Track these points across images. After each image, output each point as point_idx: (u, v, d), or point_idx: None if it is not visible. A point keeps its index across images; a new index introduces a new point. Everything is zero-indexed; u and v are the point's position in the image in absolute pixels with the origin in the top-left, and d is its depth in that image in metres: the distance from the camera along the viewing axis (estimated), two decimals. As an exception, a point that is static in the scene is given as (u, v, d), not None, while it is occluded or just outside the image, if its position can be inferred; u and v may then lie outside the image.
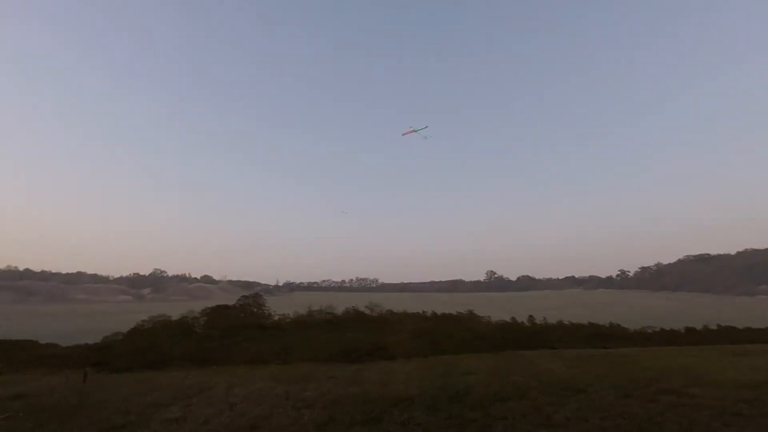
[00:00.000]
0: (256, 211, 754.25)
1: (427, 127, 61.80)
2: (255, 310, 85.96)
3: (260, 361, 77.01)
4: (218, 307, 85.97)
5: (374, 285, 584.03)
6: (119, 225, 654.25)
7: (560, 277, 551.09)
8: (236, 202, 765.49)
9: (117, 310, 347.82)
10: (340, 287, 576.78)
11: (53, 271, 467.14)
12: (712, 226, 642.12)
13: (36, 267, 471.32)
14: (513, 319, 63.54)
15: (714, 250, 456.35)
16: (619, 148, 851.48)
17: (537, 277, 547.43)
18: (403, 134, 59.16)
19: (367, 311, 78.82)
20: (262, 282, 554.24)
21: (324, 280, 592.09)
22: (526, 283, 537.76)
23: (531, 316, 63.99)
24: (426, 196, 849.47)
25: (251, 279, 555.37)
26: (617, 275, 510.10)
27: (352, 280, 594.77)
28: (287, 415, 31.19)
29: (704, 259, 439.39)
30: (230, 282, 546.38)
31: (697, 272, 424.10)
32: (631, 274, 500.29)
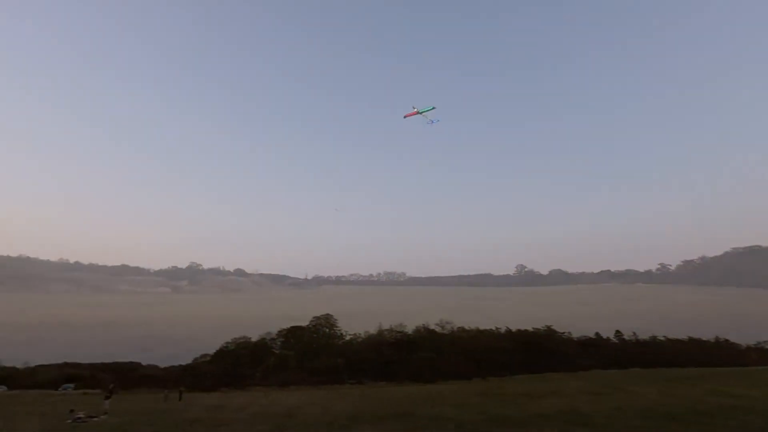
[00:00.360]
0: (286, 206, 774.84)
1: (434, 108, 48.39)
2: (327, 330, 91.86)
3: (336, 382, 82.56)
4: (293, 328, 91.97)
5: (402, 279, 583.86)
6: (158, 220, 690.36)
7: (595, 271, 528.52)
8: (266, 198, 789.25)
9: (158, 301, 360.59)
10: (368, 281, 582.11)
11: (100, 263, 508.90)
12: (763, 215, 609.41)
13: (85, 260, 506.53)
14: (597, 334, 64.54)
15: (765, 242, 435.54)
16: (658, 132, 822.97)
17: (570, 271, 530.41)
18: (405, 116, 48.38)
19: (437, 329, 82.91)
20: (292, 275, 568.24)
21: (352, 274, 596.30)
22: (559, 278, 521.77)
23: (618, 331, 63.53)
24: (453, 190, 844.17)
25: (281, 272, 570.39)
26: (657, 269, 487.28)
27: (380, 273, 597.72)
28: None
29: (755, 251, 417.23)
30: (261, 275, 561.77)
31: (747, 265, 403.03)
32: (672, 268, 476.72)
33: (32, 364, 79.16)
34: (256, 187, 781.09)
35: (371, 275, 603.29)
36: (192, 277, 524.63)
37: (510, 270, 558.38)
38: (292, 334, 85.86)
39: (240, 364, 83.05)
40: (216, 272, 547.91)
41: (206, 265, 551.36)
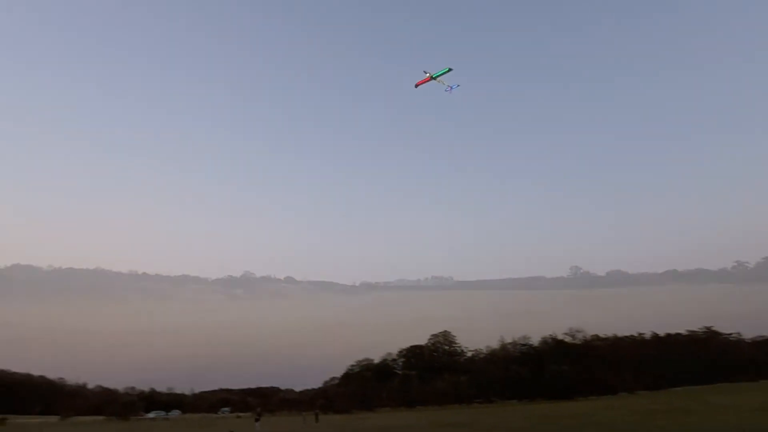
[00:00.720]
0: (329, 213, 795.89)
1: (450, 70, 38.53)
2: (447, 347, 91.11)
3: (462, 401, 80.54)
4: (412, 347, 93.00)
5: (450, 283, 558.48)
6: (213, 231, 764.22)
7: (659, 271, 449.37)
8: (311, 204, 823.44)
9: (217, 308, 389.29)
10: (416, 286, 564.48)
11: (164, 274, 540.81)
12: None
13: (151, 270, 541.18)
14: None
15: None
16: (733, 113, 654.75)
17: (630, 271, 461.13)
18: (416, 85, 39.22)
19: (567, 339, 75.48)
20: (340, 282, 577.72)
21: (399, 279, 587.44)
22: (618, 279, 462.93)
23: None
24: (499, 188, 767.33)
25: (329, 279, 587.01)
26: (733, 267, 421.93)
27: (426, 278, 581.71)
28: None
29: None
30: (310, 282, 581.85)
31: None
32: (751, 266, 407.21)
33: (197, 391, 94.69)
34: (298, 196, 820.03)
35: (418, 280, 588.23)
36: (246, 285, 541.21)
37: (563, 271, 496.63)
38: (412, 353, 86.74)
39: (366, 386, 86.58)
40: (268, 280, 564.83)
41: (258, 273, 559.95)
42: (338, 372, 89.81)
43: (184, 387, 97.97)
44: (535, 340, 75.61)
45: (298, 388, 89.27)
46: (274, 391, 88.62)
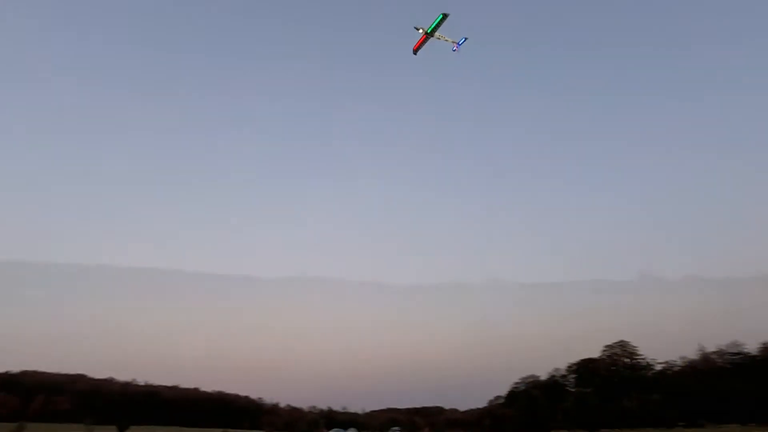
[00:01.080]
0: (375, 213, 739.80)
1: (446, 16, 29.43)
2: (627, 360, 78.67)
3: (659, 424, 68.07)
4: (584, 361, 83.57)
5: (510, 284, 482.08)
6: (269, 231, 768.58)
7: (745, 276, 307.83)
8: (354, 204, 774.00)
9: (277, 308, 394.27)
10: (473, 286, 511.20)
11: (220, 273, 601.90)
12: None
13: (214, 270, 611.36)
14: None
15: None
16: None
17: (708, 276, 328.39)
18: (414, 50, 31.96)
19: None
20: (391, 282, 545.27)
21: (452, 281, 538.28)
22: (695, 284, 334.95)
23: None
24: (556, 179, 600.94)
25: (376, 280, 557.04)
26: None
27: (483, 280, 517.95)
28: None
29: None
30: (363, 284, 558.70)
31: None
32: None
33: (367, 410, 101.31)
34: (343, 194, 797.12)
35: (474, 281, 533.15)
36: (303, 285, 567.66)
37: (630, 275, 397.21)
38: (585, 367, 77.56)
39: (535, 406, 79.95)
40: (322, 280, 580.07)
41: (311, 273, 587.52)
42: (502, 390, 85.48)
43: (356, 407, 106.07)
44: (750, 347, 60.44)
45: (462, 408, 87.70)
46: (438, 410, 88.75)
